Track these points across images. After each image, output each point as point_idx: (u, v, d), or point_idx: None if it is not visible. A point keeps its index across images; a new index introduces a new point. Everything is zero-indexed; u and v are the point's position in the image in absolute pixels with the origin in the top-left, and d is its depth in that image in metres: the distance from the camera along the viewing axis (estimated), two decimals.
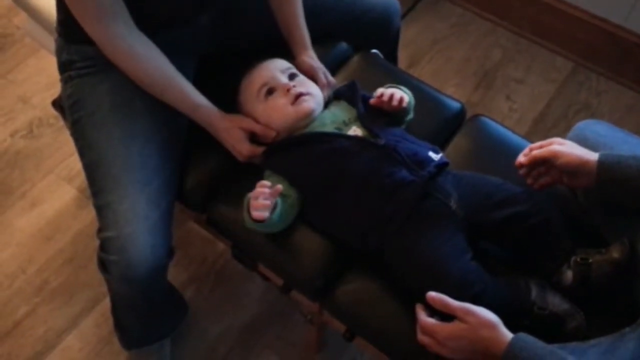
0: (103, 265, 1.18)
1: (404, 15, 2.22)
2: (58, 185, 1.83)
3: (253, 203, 1.06)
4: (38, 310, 1.62)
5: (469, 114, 1.39)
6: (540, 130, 1.96)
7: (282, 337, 1.58)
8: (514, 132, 1.33)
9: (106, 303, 1.52)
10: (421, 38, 2.19)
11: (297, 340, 1.58)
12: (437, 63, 2.13)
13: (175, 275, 1.65)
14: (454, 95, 1.57)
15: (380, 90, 1.20)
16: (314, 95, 1.19)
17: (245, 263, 1.31)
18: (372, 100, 1.19)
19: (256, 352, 1.56)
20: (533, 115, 2.00)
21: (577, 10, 1.99)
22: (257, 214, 1.05)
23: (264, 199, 1.05)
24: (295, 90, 1.17)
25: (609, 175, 0.99)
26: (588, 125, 1.20)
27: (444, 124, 1.34)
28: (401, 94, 1.19)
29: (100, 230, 1.17)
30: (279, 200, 1.09)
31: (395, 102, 1.18)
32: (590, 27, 1.99)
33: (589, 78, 2.07)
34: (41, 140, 1.92)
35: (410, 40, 2.17)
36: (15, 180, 1.84)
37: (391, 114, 1.21)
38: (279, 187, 1.07)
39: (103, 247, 1.16)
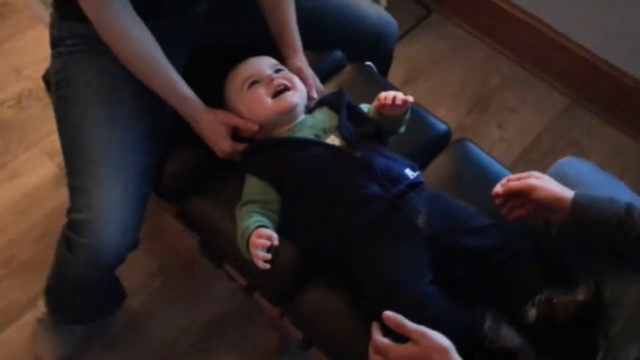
0: (68, 245, 1.16)
1: (406, 32, 2.22)
2: (40, 160, 1.81)
3: (255, 253, 1.04)
4: (2, 283, 1.60)
5: (459, 137, 1.38)
6: (526, 161, 1.95)
7: (245, 338, 1.57)
8: (497, 160, 1.33)
9: None
10: (421, 56, 2.19)
11: (260, 343, 1.56)
12: (434, 83, 2.13)
13: (146, 263, 1.63)
14: (446, 117, 1.56)
15: (382, 94, 1.13)
16: (297, 90, 1.17)
17: (212, 260, 1.30)
18: (374, 104, 1.15)
19: (217, 350, 1.55)
20: (522, 145, 2.00)
21: (580, 48, 1.99)
22: (262, 265, 1.03)
23: (262, 250, 1.03)
24: (278, 82, 1.15)
25: (582, 215, 0.99)
26: (571, 163, 1.20)
27: (427, 144, 1.34)
28: (403, 96, 1.12)
29: (71, 211, 1.15)
30: (268, 221, 1.08)
31: (399, 102, 1.10)
32: (591, 66, 1.99)
33: (582, 116, 2.07)
34: (29, 112, 1.90)
35: (410, 57, 2.17)
36: None
37: (383, 126, 1.17)
38: (275, 237, 1.06)
39: (73, 227, 1.15)
